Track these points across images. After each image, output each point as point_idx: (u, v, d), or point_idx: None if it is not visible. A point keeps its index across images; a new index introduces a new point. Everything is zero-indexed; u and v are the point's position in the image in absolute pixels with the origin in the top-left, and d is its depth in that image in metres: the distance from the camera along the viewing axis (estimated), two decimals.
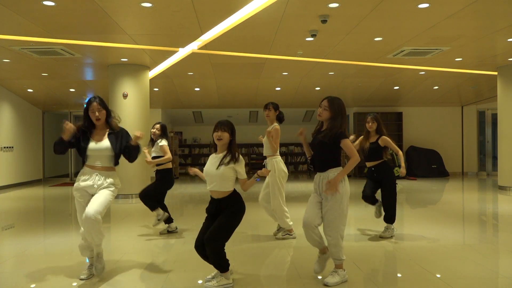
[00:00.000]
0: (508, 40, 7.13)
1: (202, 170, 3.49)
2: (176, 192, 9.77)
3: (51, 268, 3.94)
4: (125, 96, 8.64)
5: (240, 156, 3.32)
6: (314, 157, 3.49)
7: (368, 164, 5.10)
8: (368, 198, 5.09)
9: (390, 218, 5.04)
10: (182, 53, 7.75)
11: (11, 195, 9.66)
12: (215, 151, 3.38)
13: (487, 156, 13.67)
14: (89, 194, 3.53)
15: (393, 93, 12.21)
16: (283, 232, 4.96)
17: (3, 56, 7.86)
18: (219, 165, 3.24)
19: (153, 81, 9.65)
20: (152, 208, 5.15)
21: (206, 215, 3.42)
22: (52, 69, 9.07)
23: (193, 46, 7.28)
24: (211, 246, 3.16)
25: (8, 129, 11.12)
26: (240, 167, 3.28)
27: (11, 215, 7.15)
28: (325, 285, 3.32)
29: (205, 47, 7.28)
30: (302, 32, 6.54)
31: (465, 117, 13.79)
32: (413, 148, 13.37)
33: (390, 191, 5.04)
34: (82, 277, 3.54)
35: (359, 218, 6.46)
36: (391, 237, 4.99)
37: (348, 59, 8.56)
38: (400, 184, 11.16)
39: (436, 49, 7.64)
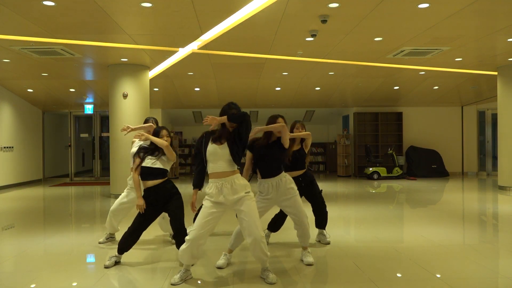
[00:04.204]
0: (508, 40, 7.13)
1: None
2: None
3: (51, 268, 3.94)
4: (125, 96, 8.64)
5: None
6: (264, 165, 3.93)
7: (294, 174, 4.50)
8: (281, 221, 4.69)
9: (322, 222, 4.77)
10: (182, 53, 7.75)
11: (11, 195, 9.66)
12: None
13: (487, 156, 13.66)
14: (221, 209, 3.43)
15: (393, 93, 12.21)
16: (108, 236, 4.95)
17: (3, 56, 7.86)
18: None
19: (153, 81, 9.66)
20: None
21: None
22: (52, 69, 9.07)
23: (193, 46, 7.28)
24: None
25: (8, 129, 11.12)
26: None
27: (11, 215, 7.15)
28: (310, 264, 3.91)
29: (205, 47, 7.28)
30: (302, 32, 6.53)
31: (465, 117, 13.80)
32: (413, 148, 13.38)
33: (318, 195, 4.73)
34: (173, 281, 3.43)
35: (359, 218, 6.46)
36: (329, 243, 4.73)
37: (348, 59, 8.56)
38: (400, 185, 11.17)
39: (436, 49, 7.64)
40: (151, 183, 4.00)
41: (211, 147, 3.41)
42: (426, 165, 13.08)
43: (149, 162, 4.01)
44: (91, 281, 3.53)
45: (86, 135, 14.44)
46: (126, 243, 3.98)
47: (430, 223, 5.92)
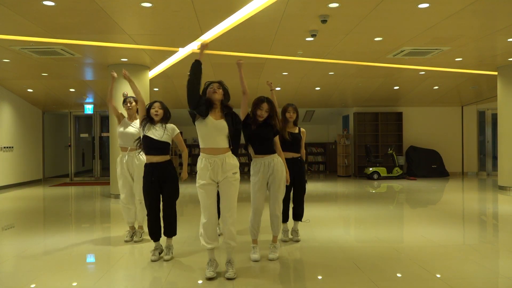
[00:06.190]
0: (508, 40, 7.13)
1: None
2: None
3: (51, 268, 3.94)
4: (125, 96, 8.62)
5: None
6: (260, 143, 4.07)
7: (290, 155, 4.68)
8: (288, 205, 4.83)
9: (300, 214, 4.89)
10: (182, 53, 7.74)
11: (11, 195, 9.66)
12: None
13: (487, 156, 13.66)
14: (214, 183, 3.51)
15: (393, 93, 12.21)
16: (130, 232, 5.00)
17: (3, 56, 7.86)
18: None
19: (153, 81, 9.65)
20: None
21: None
22: (52, 69, 9.07)
23: (193, 46, 7.28)
24: None
25: (8, 129, 11.12)
26: None
27: (11, 215, 7.15)
28: (273, 260, 3.99)
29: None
30: (302, 32, 6.53)
31: (465, 117, 13.80)
32: (413, 148, 13.38)
33: (304, 185, 4.85)
34: (208, 275, 3.49)
35: (359, 218, 6.46)
36: (299, 240, 4.82)
37: (348, 59, 8.56)
38: (400, 185, 11.17)
39: (436, 49, 7.64)
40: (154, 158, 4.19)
41: (211, 121, 3.48)
42: (426, 165, 13.08)
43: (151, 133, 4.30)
44: (91, 281, 3.53)
45: (86, 135, 14.44)
46: (154, 228, 4.15)
47: (430, 223, 5.92)
